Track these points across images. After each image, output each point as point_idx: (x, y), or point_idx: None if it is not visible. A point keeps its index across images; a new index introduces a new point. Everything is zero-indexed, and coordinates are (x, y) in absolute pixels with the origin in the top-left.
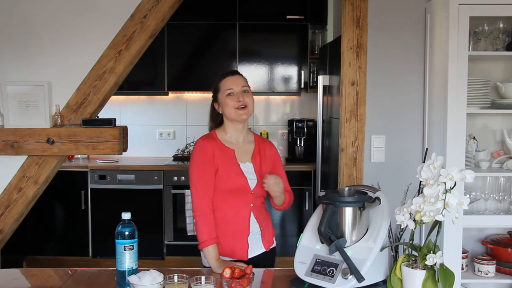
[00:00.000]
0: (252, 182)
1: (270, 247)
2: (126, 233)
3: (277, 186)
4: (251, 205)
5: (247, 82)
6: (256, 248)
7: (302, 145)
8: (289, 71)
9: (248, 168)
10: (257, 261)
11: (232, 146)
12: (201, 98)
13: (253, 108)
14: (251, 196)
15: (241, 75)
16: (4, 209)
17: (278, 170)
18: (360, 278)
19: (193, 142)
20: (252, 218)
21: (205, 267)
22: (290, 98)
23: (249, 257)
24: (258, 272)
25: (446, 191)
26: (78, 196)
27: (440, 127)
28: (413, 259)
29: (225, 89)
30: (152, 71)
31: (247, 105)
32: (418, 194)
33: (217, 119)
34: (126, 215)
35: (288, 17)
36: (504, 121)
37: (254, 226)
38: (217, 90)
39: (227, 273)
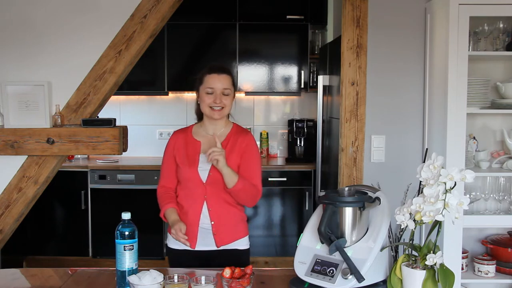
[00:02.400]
0: (204, 172)
1: (224, 247)
2: (126, 233)
3: (216, 155)
4: (205, 196)
5: (232, 81)
6: (205, 243)
7: (302, 145)
8: (289, 71)
9: (206, 159)
10: (206, 258)
11: (201, 138)
12: None
13: (229, 110)
14: (204, 187)
15: (229, 73)
16: (4, 209)
17: (248, 162)
18: (360, 278)
19: None
20: (205, 209)
21: (167, 247)
22: (290, 98)
23: (196, 249)
24: (258, 272)
25: (446, 191)
26: (78, 196)
27: (440, 127)
28: (413, 259)
29: (206, 86)
30: (152, 71)
31: (224, 107)
32: (418, 194)
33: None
34: (126, 215)
35: (288, 17)
36: (504, 121)
37: (205, 219)
38: (200, 83)
39: (227, 273)
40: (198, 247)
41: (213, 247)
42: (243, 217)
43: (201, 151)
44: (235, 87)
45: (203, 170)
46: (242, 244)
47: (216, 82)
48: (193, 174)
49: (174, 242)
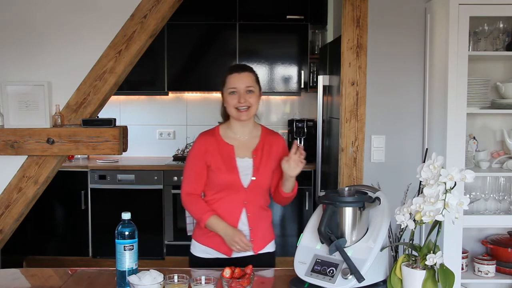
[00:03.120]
0: (246, 178)
1: (260, 252)
2: (126, 233)
3: (296, 168)
4: (245, 202)
5: (255, 78)
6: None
7: (302, 145)
8: (289, 71)
9: (245, 163)
10: (240, 264)
11: (232, 141)
12: (201, 98)
13: (256, 108)
14: (244, 193)
15: (250, 71)
16: (4, 209)
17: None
18: (360, 278)
19: (193, 142)
20: (243, 216)
21: (194, 256)
22: (290, 98)
23: (233, 256)
24: (258, 272)
25: (446, 191)
26: (78, 196)
27: (440, 127)
28: (413, 259)
29: (228, 87)
30: (152, 71)
31: (250, 106)
32: (418, 194)
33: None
34: (126, 215)
35: (288, 17)
36: (504, 121)
37: (243, 226)
38: (223, 84)
39: (227, 273)
40: (234, 254)
41: (249, 253)
42: (271, 219)
43: (235, 155)
44: (259, 85)
45: (245, 175)
46: (271, 246)
47: (237, 81)
48: (234, 179)
49: (202, 251)
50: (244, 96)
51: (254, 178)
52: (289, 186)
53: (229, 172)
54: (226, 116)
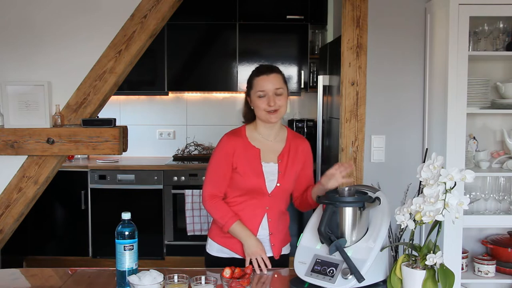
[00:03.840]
0: (271, 183)
1: (280, 255)
2: (126, 233)
3: (335, 183)
4: (267, 207)
5: (283, 79)
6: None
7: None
8: (289, 71)
9: (270, 169)
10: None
11: (259, 144)
12: (201, 98)
13: (285, 110)
14: (268, 198)
15: (278, 72)
16: (4, 209)
17: (309, 170)
18: (360, 278)
19: (193, 142)
20: (264, 221)
21: (210, 255)
22: (290, 98)
23: None
24: (259, 272)
25: (446, 191)
26: (78, 196)
27: (440, 127)
28: (413, 259)
29: (257, 90)
30: (152, 71)
31: (279, 108)
32: (418, 194)
33: (251, 112)
34: (126, 215)
35: (288, 17)
36: (504, 121)
37: (263, 230)
38: (250, 87)
39: (227, 273)
40: None
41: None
42: (289, 222)
43: (261, 159)
44: (287, 84)
45: (270, 181)
46: (287, 249)
47: (266, 83)
48: (260, 184)
49: (218, 250)
50: (273, 99)
51: (278, 185)
52: (319, 193)
53: (256, 177)
54: (248, 118)
